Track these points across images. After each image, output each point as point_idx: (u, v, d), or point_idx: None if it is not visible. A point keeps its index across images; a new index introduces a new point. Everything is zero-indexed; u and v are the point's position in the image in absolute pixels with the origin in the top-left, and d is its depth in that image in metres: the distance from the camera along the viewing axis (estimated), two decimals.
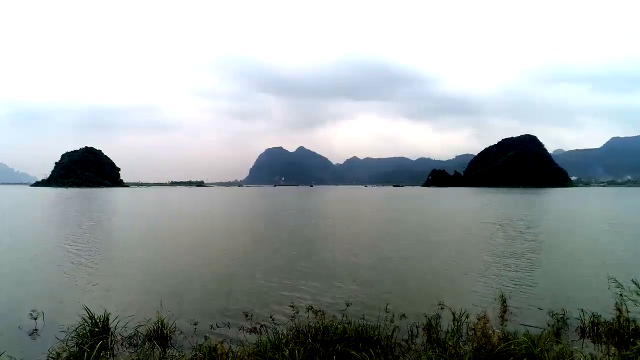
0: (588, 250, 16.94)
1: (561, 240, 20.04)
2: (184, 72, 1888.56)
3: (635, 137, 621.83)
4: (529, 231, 22.98)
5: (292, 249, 17.45)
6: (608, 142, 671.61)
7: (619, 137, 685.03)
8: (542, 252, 16.11)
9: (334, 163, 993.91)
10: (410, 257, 15.35)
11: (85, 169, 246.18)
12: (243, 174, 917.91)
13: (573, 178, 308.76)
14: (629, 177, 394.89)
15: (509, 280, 11.39)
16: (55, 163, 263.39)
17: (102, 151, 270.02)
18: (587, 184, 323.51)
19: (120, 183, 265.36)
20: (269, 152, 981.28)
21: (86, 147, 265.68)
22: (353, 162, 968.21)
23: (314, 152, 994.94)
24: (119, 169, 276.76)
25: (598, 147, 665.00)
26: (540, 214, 38.79)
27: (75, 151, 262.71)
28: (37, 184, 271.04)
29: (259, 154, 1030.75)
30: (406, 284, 11.12)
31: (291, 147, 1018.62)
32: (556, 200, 73.70)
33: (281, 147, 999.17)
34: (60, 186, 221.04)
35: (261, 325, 6.75)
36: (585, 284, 11.29)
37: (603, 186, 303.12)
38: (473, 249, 16.74)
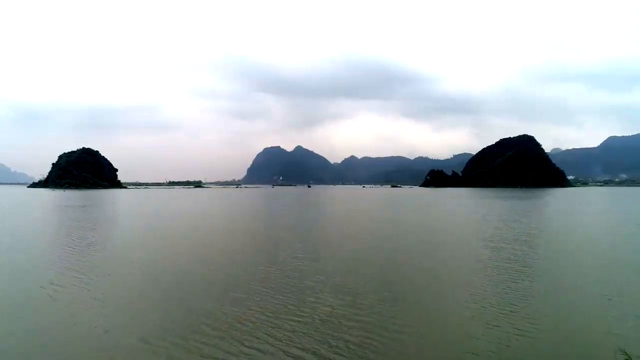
0: (600, 290, 14.77)
1: (569, 275, 17.92)
2: (184, 72, 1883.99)
3: (632, 136, 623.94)
4: (536, 264, 19.29)
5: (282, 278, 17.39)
6: (605, 141, 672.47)
7: (616, 136, 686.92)
8: (547, 297, 14.30)
9: (332, 162, 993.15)
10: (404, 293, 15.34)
11: (83, 170, 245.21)
12: (241, 174, 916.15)
13: (570, 177, 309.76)
14: (623, 175, 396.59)
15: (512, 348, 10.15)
16: (53, 164, 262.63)
17: (101, 152, 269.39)
18: (584, 184, 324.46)
19: (118, 184, 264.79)
20: (267, 151, 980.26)
21: (84, 147, 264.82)
22: (351, 162, 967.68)
23: (312, 152, 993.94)
24: (116, 170, 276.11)
25: (595, 146, 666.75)
26: (546, 230, 37.62)
27: (72, 152, 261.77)
28: (34, 185, 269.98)
29: (256, 153, 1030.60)
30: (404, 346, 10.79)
31: (289, 147, 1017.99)
32: (558, 202, 73.58)
33: (279, 147, 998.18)
34: (58, 187, 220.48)
35: None
36: (596, 344, 10.21)
37: (600, 186, 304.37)
38: (473, 292, 14.48)
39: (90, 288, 14.76)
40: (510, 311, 12.20)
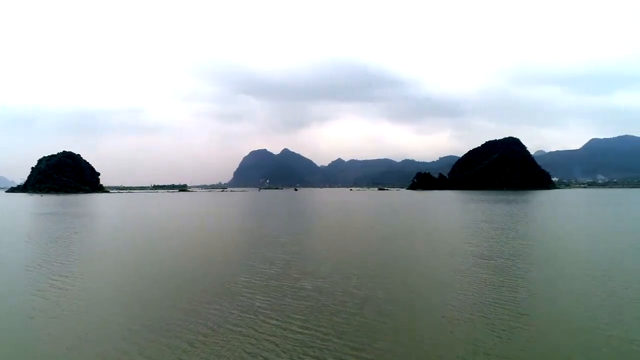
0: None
1: (561, 296, 17.17)
2: (167, 74, 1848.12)
3: (613, 138, 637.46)
4: (531, 284, 17.72)
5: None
6: (587, 144, 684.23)
7: (597, 138, 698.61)
8: (539, 328, 13.01)
9: (319, 165, 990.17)
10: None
11: (64, 174, 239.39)
12: (228, 177, 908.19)
13: (554, 179, 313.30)
14: (601, 177, 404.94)
15: None
16: (32, 168, 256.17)
17: (85, 155, 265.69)
18: (567, 185, 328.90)
19: (100, 188, 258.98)
20: (254, 154, 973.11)
21: (64, 151, 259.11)
22: (338, 164, 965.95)
23: (298, 155, 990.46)
24: (98, 174, 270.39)
25: (578, 148, 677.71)
26: (538, 240, 36.60)
27: (53, 155, 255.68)
28: (13, 189, 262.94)
29: (243, 156, 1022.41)
30: None
31: (276, 149, 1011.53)
32: (545, 205, 72.58)
33: (265, 149, 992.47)
34: (37, 192, 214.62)
35: None
36: None
37: (584, 187, 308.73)
38: (461, 331, 14.34)
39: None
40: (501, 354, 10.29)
